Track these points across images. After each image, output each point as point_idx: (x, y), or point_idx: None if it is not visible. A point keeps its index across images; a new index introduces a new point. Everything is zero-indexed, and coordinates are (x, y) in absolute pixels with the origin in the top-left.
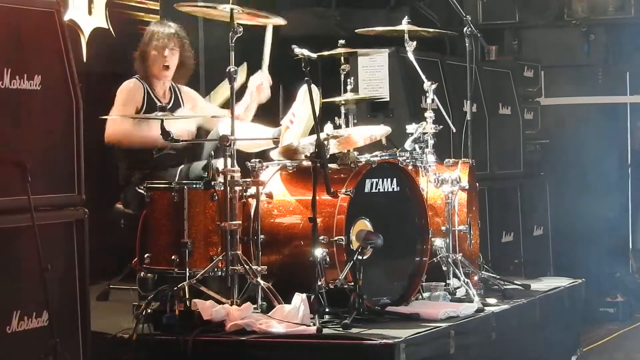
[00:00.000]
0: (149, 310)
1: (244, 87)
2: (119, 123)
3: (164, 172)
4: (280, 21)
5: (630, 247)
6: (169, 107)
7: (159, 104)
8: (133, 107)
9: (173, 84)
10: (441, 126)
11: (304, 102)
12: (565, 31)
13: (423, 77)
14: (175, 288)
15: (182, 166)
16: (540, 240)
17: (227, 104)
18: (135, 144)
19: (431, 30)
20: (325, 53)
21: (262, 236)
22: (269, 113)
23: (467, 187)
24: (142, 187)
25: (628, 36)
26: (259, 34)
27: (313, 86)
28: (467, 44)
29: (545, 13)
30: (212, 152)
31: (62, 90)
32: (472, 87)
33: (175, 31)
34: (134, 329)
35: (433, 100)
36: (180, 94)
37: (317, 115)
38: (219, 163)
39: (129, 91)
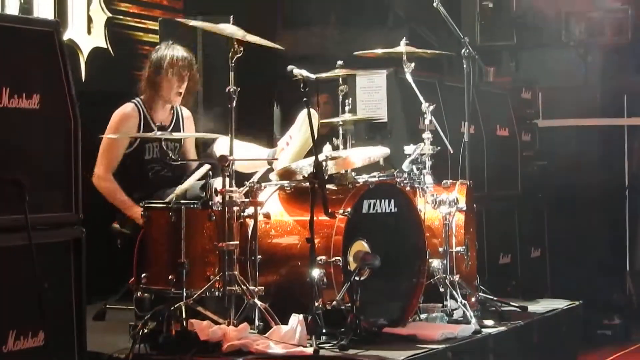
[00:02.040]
0: (146, 330)
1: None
2: (105, 178)
3: (160, 192)
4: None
5: (628, 269)
6: (169, 129)
7: (157, 124)
8: (125, 136)
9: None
10: (439, 147)
11: (302, 125)
12: (562, 53)
13: (421, 98)
14: (172, 308)
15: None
16: (538, 262)
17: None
18: (115, 202)
19: (429, 51)
20: (324, 74)
21: (259, 256)
22: (265, 133)
23: (464, 209)
24: None
25: (625, 58)
26: None
27: (312, 110)
28: (464, 65)
29: (543, 35)
30: (210, 172)
31: (60, 110)
32: (470, 108)
33: (188, 57)
34: (130, 349)
35: (431, 121)
36: (182, 117)
37: (315, 137)
38: (216, 183)
39: (124, 117)
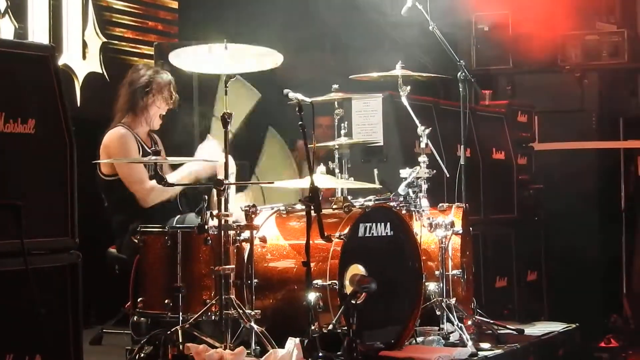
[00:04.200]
0: (142, 355)
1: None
2: (151, 189)
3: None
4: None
5: (624, 291)
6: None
7: (148, 149)
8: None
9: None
10: (435, 171)
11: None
12: (559, 76)
13: (417, 121)
14: (169, 332)
15: (178, 217)
16: (534, 285)
17: None
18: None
19: (425, 74)
20: (319, 98)
21: (255, 280)
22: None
23: (460, 232)
24: (137, 237)
25: (621, 81)
26: None
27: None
28: (460, 89)
29: (539, 58)
30: (205, 197)
31: (56, 135)
32: (466, 131)
33: (173, 80)
34: None
35: (427, 144)
36: (155, 140)
37: (311, 160)
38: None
39: (125, 137)
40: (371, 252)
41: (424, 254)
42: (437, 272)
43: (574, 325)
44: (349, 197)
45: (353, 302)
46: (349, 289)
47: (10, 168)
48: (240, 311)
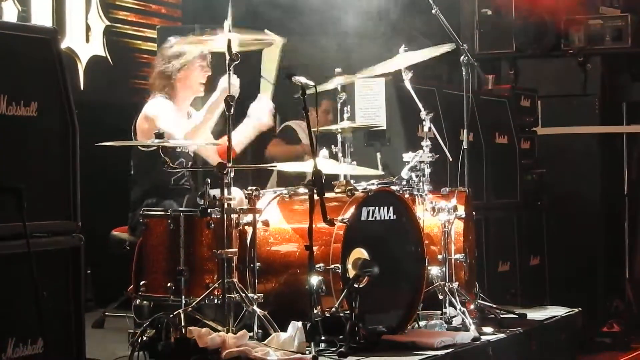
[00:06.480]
0: (145, 338)
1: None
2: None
3: (180, 199)
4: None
5: (627, 276)
6: None
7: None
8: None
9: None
10: (438, 155)
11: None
12: (562, 61)
13: (420, 105)
14: (171, 315)
15: (188, 195)
16: (537, 270)
17: None
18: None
19: (428, 57)
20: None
21: (258, 264)
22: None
23: (463, 216)
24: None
25: (624, 66)
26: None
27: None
28: (463, 73)
29: (542, 43)
30: (208, 180)
31: (58, 117)
32: (469, 116)
33: (202, 51)
34: (129, 356)
35: (430, 128)
36: (190, 116)
37: (314, 143)
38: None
39: (167, 107)
40: (374, 236)
41: (427, 238)
42: (439, 257)
43: (576, 310)
44: (352, 181)
45: (356, 286)
46: (351, 273)
47: (12, 151)
48: (243, 295)
